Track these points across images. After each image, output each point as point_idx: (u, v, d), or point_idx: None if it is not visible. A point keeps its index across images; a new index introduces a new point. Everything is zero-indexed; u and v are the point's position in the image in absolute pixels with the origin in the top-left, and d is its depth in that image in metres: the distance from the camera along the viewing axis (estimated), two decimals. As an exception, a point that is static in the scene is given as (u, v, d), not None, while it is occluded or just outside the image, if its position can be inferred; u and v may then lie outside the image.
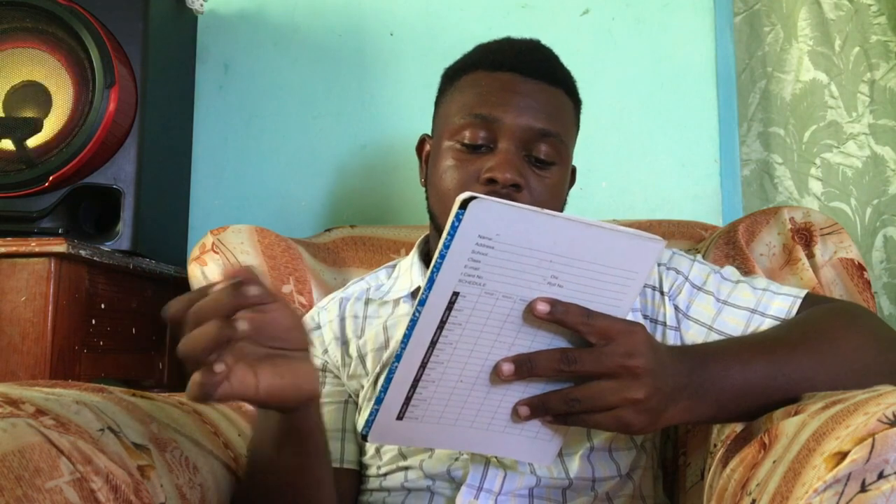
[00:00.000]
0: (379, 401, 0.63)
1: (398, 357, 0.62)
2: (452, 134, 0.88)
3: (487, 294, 0.61)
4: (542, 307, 0.62)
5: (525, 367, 0.64)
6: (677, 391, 0.65)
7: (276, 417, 0.66)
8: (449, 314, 0.61)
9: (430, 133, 0.99)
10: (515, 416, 0.67)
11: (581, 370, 0.63)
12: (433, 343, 0.62)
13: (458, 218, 0.57)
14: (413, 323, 0.61)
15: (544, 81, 0.88)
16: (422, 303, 0.60)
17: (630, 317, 0.72)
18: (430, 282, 0.59)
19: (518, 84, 0.87)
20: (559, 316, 0.62)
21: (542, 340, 0.64)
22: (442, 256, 0.58)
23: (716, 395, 0.68)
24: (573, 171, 0.95)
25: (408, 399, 0.64)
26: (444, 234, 0.57)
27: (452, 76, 0.94)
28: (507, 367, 0.64)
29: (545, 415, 0.66)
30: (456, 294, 0.60)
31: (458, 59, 0.96)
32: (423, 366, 0.62)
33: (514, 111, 0.85)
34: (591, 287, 0.63)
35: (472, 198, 0.56)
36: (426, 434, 0.67)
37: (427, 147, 0.98)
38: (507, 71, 0.87)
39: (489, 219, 0.57)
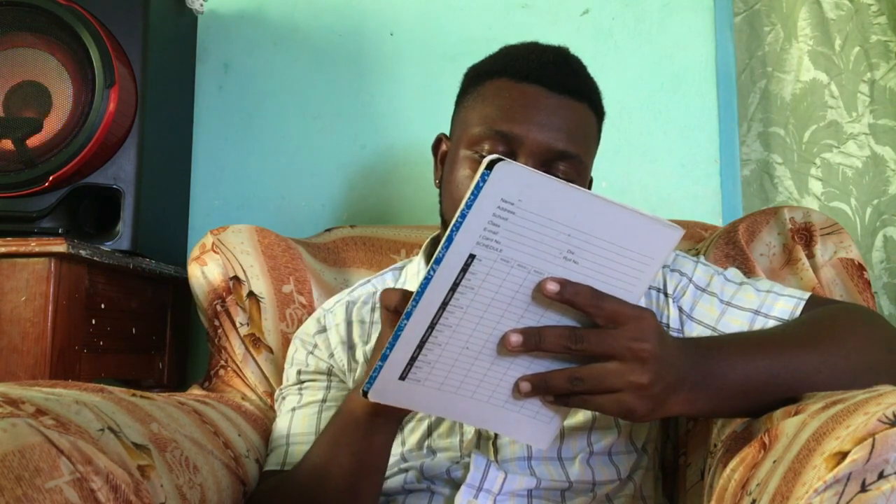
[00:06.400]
0: (384, 357, 0.63)
1: (408, 315, 0.61)
2: (471, 143, 0.87)
3: (503, 261, 0.61)
4: (552, 287, 0.62)
5: (533, 339, 0.63)
6: (680, 382, 0.65)
7: (393, 426, 0.77)
8: (463, 276, 0.61)
9: (446, 132, 0.98)
10: (517, 391, 0.66)
11: (588, 350, 0.63)
12: (444, 304, 0.61)
13: (483, 179, 0.57)
14: (426, 281, 0.60)
15: (569, 96, 0.86)
16: (437, 261, 0.60)
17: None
18: (449, 240, 0.59)
19: (542, 99, 0.85)
20: (569, 297, 0.62)
21: (551, 317, 0.64)
22: (463, 216, 0.58)
23: (718, 388, 0.68)
24: (590, 182, 0.95)
25: (412, 359, 0.63)
26: (467, 195, 0.58)
27: (476, 79, 0.92)
28: (516, 338, 0.63)
29: (546, 393, 0.66)
30: (472, 257, 0.60)
31: (483, 59, 0.94)
32: (432, 327, 0.62)
33: (536, 129, 0.84)
34: (606, 267, 0.63)
35: (499, 160, 0.57)
36: (426, 399, 0.66)
37: (444, 147, 0.97)
38: (532, 83, 0.86)
39: (513, 183, 0.58)
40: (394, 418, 0.75)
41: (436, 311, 0.62)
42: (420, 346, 0.63)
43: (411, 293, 0.64)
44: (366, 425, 0.73)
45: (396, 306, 0.66)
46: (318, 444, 0.83)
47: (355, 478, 0.76)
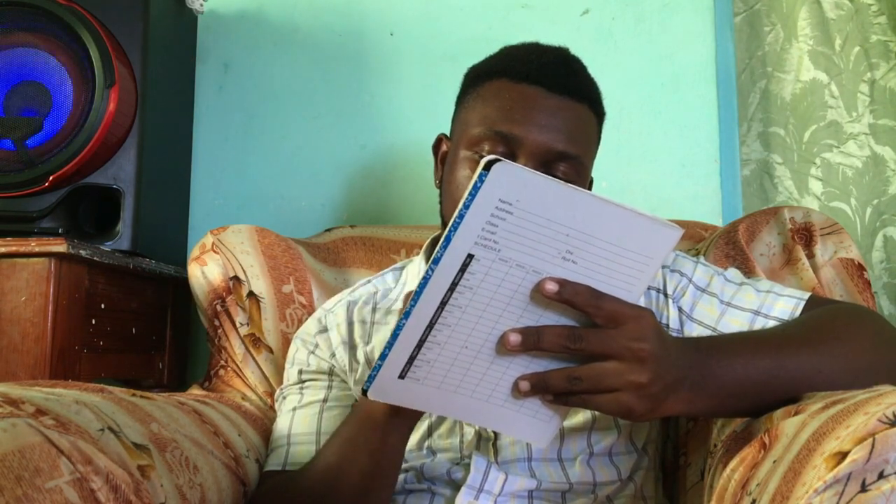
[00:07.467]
0: (383, 356, 0.63)
1: (406, 314, 0.62)
2: (471, 144, 0.87)
3: (501, 261, 0.61)
4: (551, 287, 0.62)
5: (532, 339, 0.64)
6: (679, 381, 0.65)
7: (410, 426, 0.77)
8: (461, 276, 0.61)
9: (446, 132, 0.98)
10: (516, 391, 0.67)
11: (587, 349, 0.63)
12: (443, 304, 0.62)
13: (481, 179, 0.57)
14: (425, 281, 0.61)
15: (569, 97, 0.86)
16: (436, 261, 0.60)
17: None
18: (447, 241, 0.59)
19: (541, 99, 0.85)
20: (568, 296, 0.62)
21: (549, 317, 0.64)
22: (461, 216, 0.58)
23: (717, 388, 0.68)
24: (590, 182, 0.94)
25: (412, 358, 0.64)
26: (465, 195, 0.58)
27: (476, 79, 0.92)
28: (514, 338, 0.64)
29: (545, 392, 0.66)
30: (470, 257, 0.60)
31: (482, 59, 0.94)
32: (431, 326, 0.62)
33: (536, 130, 0.84)
34: (604, 267, 0.63)
35: (497, 160, 0.57)
36: (426, 397, 0.67)
37: (444, 147, 0.97)
38: (532, 83, 0.86)
39: (511, 183, 0.58)
40: (410, 418, 0.75)
41: (434, 310, 0.62)
42: (419, 346, 0.63)
43: None
44: (383, 426, 0.74)
45: None
46: (332, 444, 0.83)
47: (370, 478, 0.77)
